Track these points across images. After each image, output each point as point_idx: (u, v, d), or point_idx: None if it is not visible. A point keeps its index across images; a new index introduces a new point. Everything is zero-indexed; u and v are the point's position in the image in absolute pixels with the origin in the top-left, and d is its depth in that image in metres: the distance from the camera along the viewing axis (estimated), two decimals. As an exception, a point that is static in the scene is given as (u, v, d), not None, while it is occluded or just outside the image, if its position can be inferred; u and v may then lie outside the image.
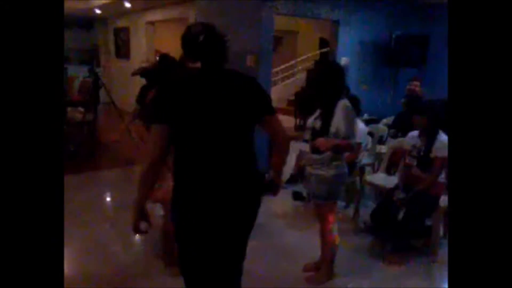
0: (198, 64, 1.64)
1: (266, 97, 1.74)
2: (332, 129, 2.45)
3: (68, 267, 2.85)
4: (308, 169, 2.66)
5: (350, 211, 3.93)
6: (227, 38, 1.68)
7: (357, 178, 3.89)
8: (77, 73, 8.96)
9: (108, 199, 4.58)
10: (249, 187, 1.72)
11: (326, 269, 2.73)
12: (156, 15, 8.28)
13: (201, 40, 1.60)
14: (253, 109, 1.67)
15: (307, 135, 2.70)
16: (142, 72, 4.34)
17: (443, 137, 2.92)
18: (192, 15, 6.29)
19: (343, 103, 2.47)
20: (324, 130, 2.49)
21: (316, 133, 2.56)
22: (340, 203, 4.03)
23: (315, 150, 2.57)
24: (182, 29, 1.72)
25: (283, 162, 1.91)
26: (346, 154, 2.84)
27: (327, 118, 2.49)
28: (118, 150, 6.18)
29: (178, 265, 1.84)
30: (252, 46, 4.37)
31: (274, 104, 1.83)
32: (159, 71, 4.10)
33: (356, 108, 3.67)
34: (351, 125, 2.47)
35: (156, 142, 1.59)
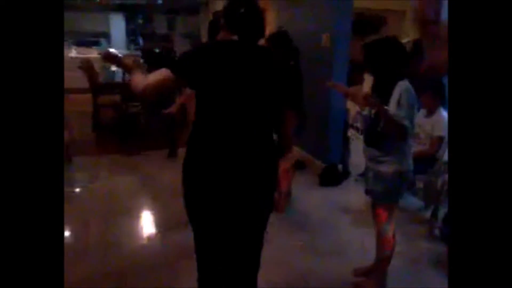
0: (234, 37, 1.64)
1: (287, 91, 1.73)
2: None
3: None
4: (367, 163, 2.38)
5: (429, 213, 3.44)
6: (265, 14, 1.69)
7: (440, 177, 3.37)
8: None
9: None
10: (264, 165, 1.69)
11: (376, 278, 2.41)
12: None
13: (241, 13, 1.61)
14: (271, 96, 1.67)
15: (361, 124, 2.39)
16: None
17: None
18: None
19: (404, 85, 2.10)
20: (378, 117, 2.16)
21: (370, 121, 2.23)
22: (420, 203, 3.58)
23: (370, 142, 2.27)
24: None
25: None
26: (417, 149, 2.47)
27: (382, 101, 2.14)
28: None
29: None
30: (327, 25, 4.04)
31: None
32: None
33: (439, 94, 3.17)
34: (409, 109, 2.09)
35: (153, 82, 1.60)
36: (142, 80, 1.63)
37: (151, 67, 4.86)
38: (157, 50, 5.72)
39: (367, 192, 2.44)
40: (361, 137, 2.50)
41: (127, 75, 4.30)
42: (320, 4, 4.18)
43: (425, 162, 3.09)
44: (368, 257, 2.55)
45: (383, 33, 9.97)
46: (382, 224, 2.33)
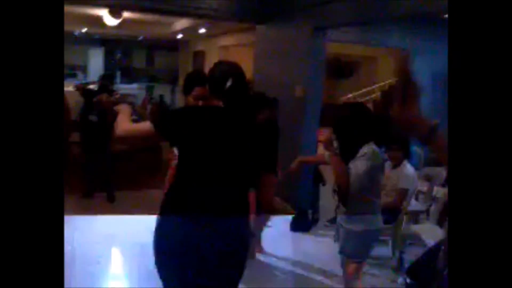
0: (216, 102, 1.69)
1: (266, 155, 1.89)
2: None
3: None
4: (338, 220, 2.44)
5: (395, 261, 3.51)
6: (250, 85, 1.71)
7: (404, 226, 3.47)
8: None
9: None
10: (238, 227, 1.71)
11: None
12: (228, 40, 8.56)
13: (230, 85, 1.64)
14: (251, 160, 1.73)
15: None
16: (84, 91, 4.63)
17: None
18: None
19: (366, 149, 2.20)
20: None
21: None
22: (387, 251, 3.65)
23: (340, 199, 2.32)
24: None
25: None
26: (384, 200, 2.54)
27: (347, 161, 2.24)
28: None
29: None
30: (301, 76, 4.22)
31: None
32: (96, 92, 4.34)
33: (405, 148, 3.33)
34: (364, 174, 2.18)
35: (139, 130, 1.71)
36: (125, 124, 1.69)
37: (86, 103, 4.86)
38: (95, 88, 5.27)
39: (340, 251, 2.42)
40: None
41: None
42: (293, 54, 4.38)
43: (391, 212, 3.19)
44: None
45: (356, 77, 10.32)
46: (351, 279, 2.37)
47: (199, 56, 10.40)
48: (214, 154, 1.62)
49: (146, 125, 1.64)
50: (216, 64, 1.77)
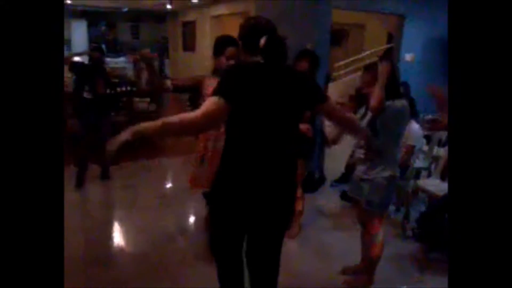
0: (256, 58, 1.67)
1: (318, 88, 1.78)
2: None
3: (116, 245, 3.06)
4: (358, 174, 2.53)
5: (401, 215, 3.76)
6: (286, 41, 1.69)
7: (410, 182, 3.71)
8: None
9: (161, 185, 4.81)
10: (290, 180, 1.77)
11: (366, 276, 2.65)
12: (221, 9, 8.47)
13: (265, 43, 1.62)
14: (306, 99, 1.72)
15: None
16: (74, 67, 4.22)
17: None
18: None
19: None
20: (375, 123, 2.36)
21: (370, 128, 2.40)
22: (391, 207, 3.88)
23: (365, 155, 2.43)
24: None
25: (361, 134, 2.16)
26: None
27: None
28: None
29: (211, 250, 1.94)
30: (308, 40, 4.33)
31: (335, 98, 1.86)
32: (90, 68, 4.10)
33: (411, 109, 3.50)
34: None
35: (208, 111, 1.53)
36: (189, 115, 1.54)
37: (80, 79, 4.30)
38: (85, 62, 4.91)
39: (367, 205, 2.48)
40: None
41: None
42: (301, 19, 4.48)
43: (400, 167, 3.39)
44: (351, 257, 2.82)
45: (345, 45, 10.33)
46: (377, 232, 2.51)
47: (189, 27, 10.26)
48: (267, 108, 1.62)
49: (212, 101, 1.54)
50: (246, 21, 1.74)
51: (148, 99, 6.37)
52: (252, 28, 1.69)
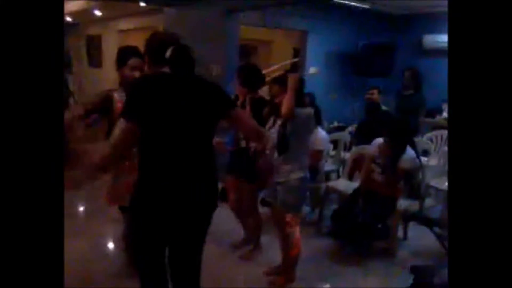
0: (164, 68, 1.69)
1: (226, 95, 1.83)
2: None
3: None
4: (276, 177, 2.65)
5: (315, 216, 4.01)
6: (192, 51, 1.74)
7: (322, 184, 3.99)
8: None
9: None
10: (209, 189, 1.83)
11: (288, 273, 2.79)
12: (128, 24, 8.27)
13: (169, 55, 1.66)
14: (216, 106, 1.76)
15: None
16: None
17: (410, 152, 3.16)
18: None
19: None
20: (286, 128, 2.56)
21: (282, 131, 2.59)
22: (306, 208, 4.11)
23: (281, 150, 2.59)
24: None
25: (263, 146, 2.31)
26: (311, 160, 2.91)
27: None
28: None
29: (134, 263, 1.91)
30: (217, 56, 4.44)
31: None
32: None
33: (316, 116, 3.80)
34: None
35: (119, 141, 1.66)
36: (104, 150, 1.69)
37: None
38: None
39: (282, 204, 2.65)
40: None
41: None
42: (210, 35, 4.57)
43: (310, 171, 3.63)
44: (275, 259, 2.94)
45: (254, 60, 10.66)
46: (292, 228, 2.67)
47: (94, 40, 9.80)
48: (181, 122, 1.65)
49: (120, 129, 1.65)
50: (152, 35, 1.78)
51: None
52: (158, 40, 1.74)
